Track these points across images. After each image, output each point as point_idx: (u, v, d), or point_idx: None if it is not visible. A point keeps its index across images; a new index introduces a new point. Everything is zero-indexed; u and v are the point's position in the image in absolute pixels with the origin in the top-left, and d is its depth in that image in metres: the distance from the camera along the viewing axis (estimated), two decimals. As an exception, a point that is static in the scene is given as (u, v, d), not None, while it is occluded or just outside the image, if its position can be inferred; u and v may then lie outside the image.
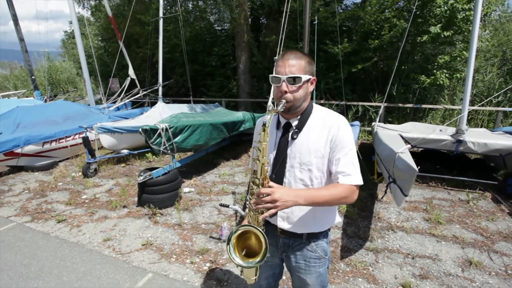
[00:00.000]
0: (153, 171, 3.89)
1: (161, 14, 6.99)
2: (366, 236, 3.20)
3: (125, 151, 5.87)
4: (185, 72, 11.38)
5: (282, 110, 1.24)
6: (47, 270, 2.71)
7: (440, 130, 4.89)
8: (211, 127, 4.88)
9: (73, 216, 3.77)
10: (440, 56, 7.20)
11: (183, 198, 4.19)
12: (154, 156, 6.19)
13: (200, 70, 10.53)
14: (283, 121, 1.36)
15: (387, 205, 3.91)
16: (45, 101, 9.76)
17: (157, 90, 8.78)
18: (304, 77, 1.23)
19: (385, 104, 7.35)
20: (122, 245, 3.12)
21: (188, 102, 9.31)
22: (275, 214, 1.25)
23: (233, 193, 4.43)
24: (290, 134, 1.33)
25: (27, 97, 11.64)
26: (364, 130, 7.45)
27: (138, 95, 9.48)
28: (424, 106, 7.04)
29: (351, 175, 1.24)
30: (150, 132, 3.89)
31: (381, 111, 6.02)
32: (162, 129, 4.02)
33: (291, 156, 1.33)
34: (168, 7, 11.68)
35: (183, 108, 7.45)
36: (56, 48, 22.48)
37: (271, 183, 1.19)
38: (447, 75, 6.98)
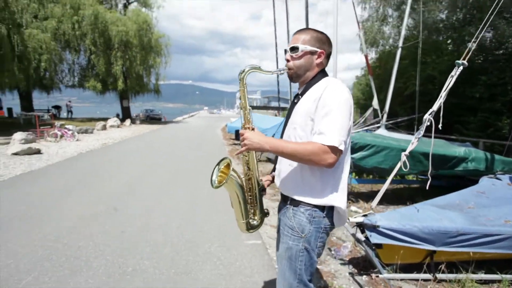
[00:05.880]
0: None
1: (400, 44, 6.97)
2: None
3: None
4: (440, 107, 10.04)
5: (281, 73, 1.42)
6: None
7: None
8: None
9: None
10: None
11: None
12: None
13: (459, 104, 8.76)
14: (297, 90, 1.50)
15: None
16: None
17: (399, 122, 8.83)
18: (303, 47, 1.33)
19: None
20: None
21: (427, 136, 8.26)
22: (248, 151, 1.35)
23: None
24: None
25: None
26: None
27: (378, 125, 9.97)
28: None
29: (324, 134, 1.20)
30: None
31: None
32: (342, 143, 4.41)
33: (291, 118, 1.44)
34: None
35: (404, 136, 6.92)
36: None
37: (254, 126, 1.36)
38: None
